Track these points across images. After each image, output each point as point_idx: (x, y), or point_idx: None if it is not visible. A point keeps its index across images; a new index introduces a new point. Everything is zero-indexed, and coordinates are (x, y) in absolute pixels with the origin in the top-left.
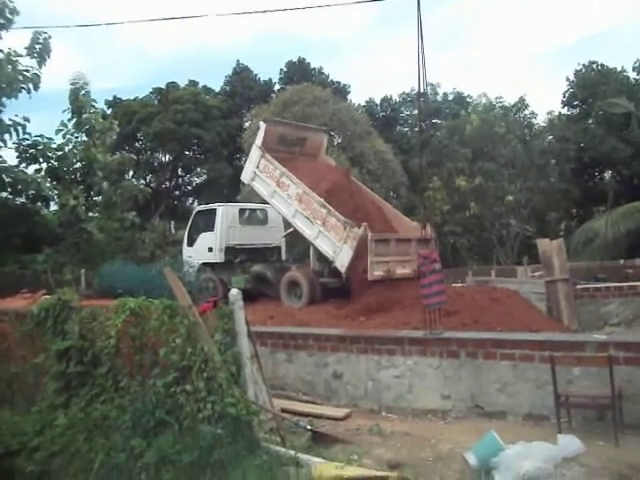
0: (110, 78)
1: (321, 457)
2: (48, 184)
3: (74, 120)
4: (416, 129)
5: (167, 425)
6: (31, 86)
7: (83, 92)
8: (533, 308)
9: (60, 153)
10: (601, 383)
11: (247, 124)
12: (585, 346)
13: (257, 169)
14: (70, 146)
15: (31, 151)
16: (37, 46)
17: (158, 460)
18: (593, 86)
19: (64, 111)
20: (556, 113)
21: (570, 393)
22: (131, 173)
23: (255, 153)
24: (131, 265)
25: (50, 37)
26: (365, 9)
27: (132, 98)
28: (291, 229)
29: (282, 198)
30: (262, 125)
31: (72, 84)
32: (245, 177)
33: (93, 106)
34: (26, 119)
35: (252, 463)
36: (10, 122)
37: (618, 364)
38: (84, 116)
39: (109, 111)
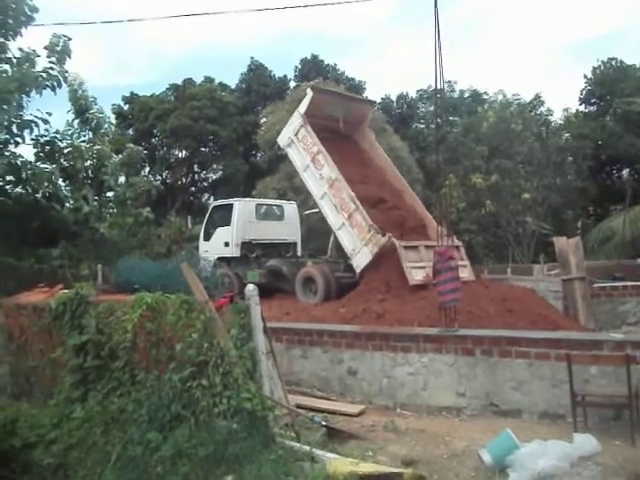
0: (127, 74)
1: (336, 453)
2: (61, 182)
3: (78, 119)
4: (432, 126)
5: (183, 419)
6: (55, 84)
7: (80, 92)
8: (550, 306)
9: (75, 151)
10: (618, 382)
11: (263, 121)
12: (602, 345)
13: (295, 137)
14: (83, 146)
15: (48, 148)
16: (57, 48)
17: (174, 454)
18: (611, 83)
19: (68, 112)
20: (573, 110)
21: (586, 392)
22: (147, 169)
23: (296, 120)
24: (148, 260)
25: (70, 39)
26: (381, 5)
27: (149, 94)
28: (316, 210)
29: (314, 175)
30: (309, 92)
31: (69, 85)
32: (281, 141)
33: (95, 102)
34: (49, 114)
35: (267, 458)
36: (31, 118)
37: (635, 363)
38: (90, 112)
39: (126, 107)
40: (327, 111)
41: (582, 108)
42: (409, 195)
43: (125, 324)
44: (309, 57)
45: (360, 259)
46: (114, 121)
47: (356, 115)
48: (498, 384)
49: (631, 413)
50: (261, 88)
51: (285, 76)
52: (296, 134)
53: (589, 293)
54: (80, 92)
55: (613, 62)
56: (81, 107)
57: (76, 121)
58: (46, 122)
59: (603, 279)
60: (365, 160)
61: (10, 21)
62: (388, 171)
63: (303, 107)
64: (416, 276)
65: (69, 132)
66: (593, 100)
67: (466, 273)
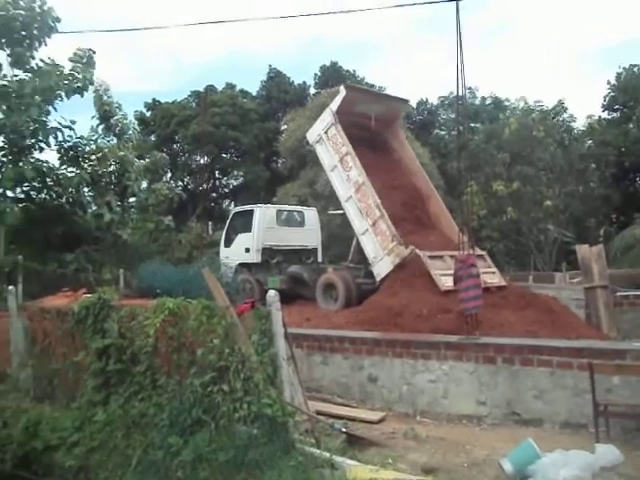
0: (149, 81)
1: (356, 460)
2: (86, 188)
3: (102, 125)
4: (454, 133)
5: (204, 424)
6: (81, 85)
7: (106, 97)
8: (572, 315)
9: (100, 155)
10: None
11: (283, 127)
12: (625, 354)
13: (325, 134)
14: (106, 150)
15: (72, 153)
16: (82, 60)
17: (194, 458)
18: (635, 89)
19: (92, 117)
20: (596, 117)
21: (609, 402)
22: (169, 175)
23: (328, 117)
24: (169, 266)
25: (94, 52)
26: (402, 12)
27: (170, 101)
28: (341, 211)
29: (341, 176)
30: (342, 90)
31: (94, 91)
32: (310, 137)
33: (119, 108)
34: (72, 122)
35: (287, 464)
36: (56, 124)
37: None
38: (115, 118)
39: (148, 114)
40: (359, 109)
41: (605, 115)
42: (435, 200)
43: (147, 329)
44: (328, 64)
45: (381, 267)
46: (137, 127)
47: (388, 113)
48: (519, 393)
49: None
50: (281, 95)
51: (304, 83)
52: (326, 131)
53: (612, 302)
54: (105, 98)
55: (636, 68)
56: (106, 113)
57: (100, 127)
58: (71, 128)
59: (626, 287)
60: (394, 161)
61: (35, 32)
62: (417, 173)
63: (335, 105)
64: (446, 283)
65: (93, 137)
66: (616, 107)
67: (496, 279)
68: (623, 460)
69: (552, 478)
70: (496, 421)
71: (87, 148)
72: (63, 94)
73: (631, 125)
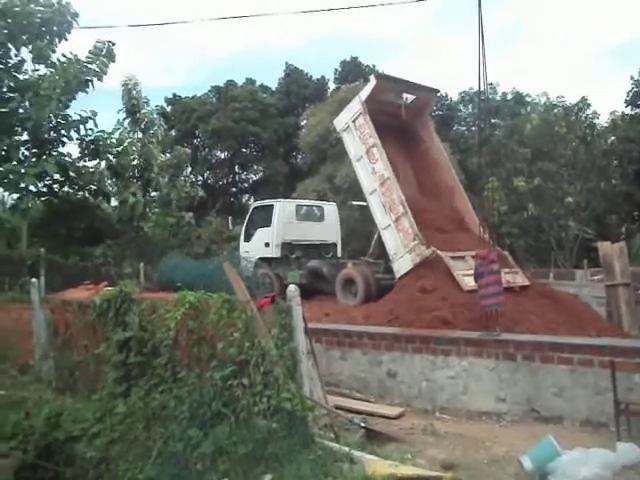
0: (170, 76)
1: (375, 455)
2: (108, 180)
3: (129, 119)
4: (474, 128)
5: (223, 417)
6: (95, 79)
7: (135, 91)
8: (593, 312)
9: (120, 148)
10: None
11: (303, 122)
12: None
13: (353, 123)
14: (127, 143)
15: (92, 146)
16: (102, 52)
17: (214, 451)
18: None
19: (119, 111)
20: (619, 113)
21: (630, 400)
22: (189, 169)
23: (356, 106)
24: (189, 260)
25: (114, 44)
26: (423, 6)
27: (191, 96)
28: (364, 203)
29: (366, 168)
30: (372, 79)
31: (123, 85)
32: (338, 124)
33: (147, 103)
34: (94, 113)
35: (306, 458)
36: (78, 117)
37: None
38: (142, 112)
39: (168, 108)
40: (389, 97)
41: (628, 110)
42: (459, 194)
43: (168, 322)
44: (348, 59)
45: (401, 264)
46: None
47: (418, 102)
48: (540, 390)
49: None
50: (300, 90)
51: (323, 77)
52: (354, 120)
53: (634, 299)
54: (134, 92)
55: None
56: (133, 107)
57: (127, 120)
58: (92, 119)
59: None
60: (422, 152)
61: (55, 28)
62: (444, 166)
63: (365, 94)
64: (469, 283)
65: (118, 130)
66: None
67: (519, 279)
68: None
69: (572, 476)
70: (516, 418)
71: (108, 141)
72: (76, 87)
73: None
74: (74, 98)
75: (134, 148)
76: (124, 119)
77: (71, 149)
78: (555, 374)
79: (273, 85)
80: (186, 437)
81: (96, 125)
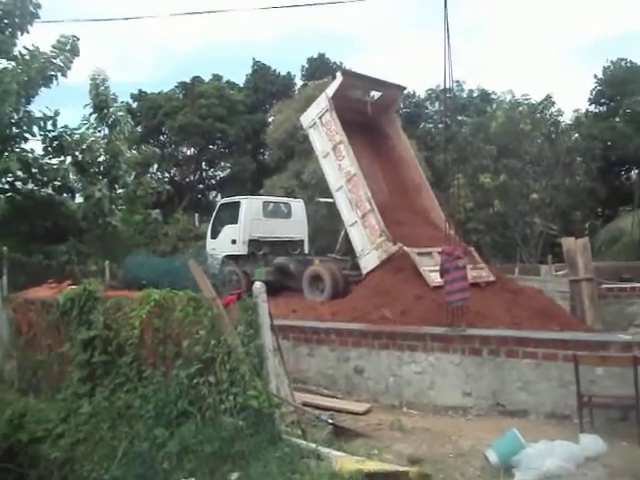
0: (135, 72)
1: (342, 451)
2: (73, 176)
3: (96, 114)
4: (441, 126)
5: (189, 415)
6: (59, 73)
7: (103, 87)
8: (557, 307)
9: (84, 145)
10: (625, 384)
11: (271, 119)
12: (609, 346)
13: (319, 119)
14: (92, 139)
15: (56, 143)
16: (66, 47)
17: (180, 450)
18: (621, 84)
19: (85, 106)
20: (583, 111)
21: (593, 393)
22: (156, 166)
23: (323, 102)
24: (155, 257)
25: (78, 39)
26: (388, 3)
27: (157, 92)
28: (331, 199)
29: (333, 165)
30: (339, 76)
31: (92, 79)
32: (304, 121)
33: (115, 99)
34: (57, 112)
35: (273, 455)
36: (40, 114)
37: None
38: (110, 109)
39: (134, 105)
40: (356, 94)
41: (592, 108)
42: (426, 191)
43: (133, 320)
44: (315, 56)
45: (368, 261)
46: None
47: (385, 99)
48: (505, 384)
49: (638, 414)
50: (267, 86)
51: (289, 73)
52: (320, 117)
53: (596, 294)
54: (102, 88)
55: (623, 62)
56: (101, 103)
57: (94, 116)
58: (53, 118)
59: (611, 280)
60: (388, 148)
61: (17, 20)
62: (410, 162)
63: (331, 90)
64: (435, 278)
65: (84, 127)
66: (603, 100)
67: (485, 274)
68: (607, 450)
69: (536, 468)
70: (481, 412)
71: (72, 138)
72: (40, 82)
73: (617, 119)
74: (37, 94)
75: (99, 144)
76: (90, 114)
77: (34, 145)
78: (520, 368)
79: (240, 81)
80: (152, 436)
81: (55, 122)
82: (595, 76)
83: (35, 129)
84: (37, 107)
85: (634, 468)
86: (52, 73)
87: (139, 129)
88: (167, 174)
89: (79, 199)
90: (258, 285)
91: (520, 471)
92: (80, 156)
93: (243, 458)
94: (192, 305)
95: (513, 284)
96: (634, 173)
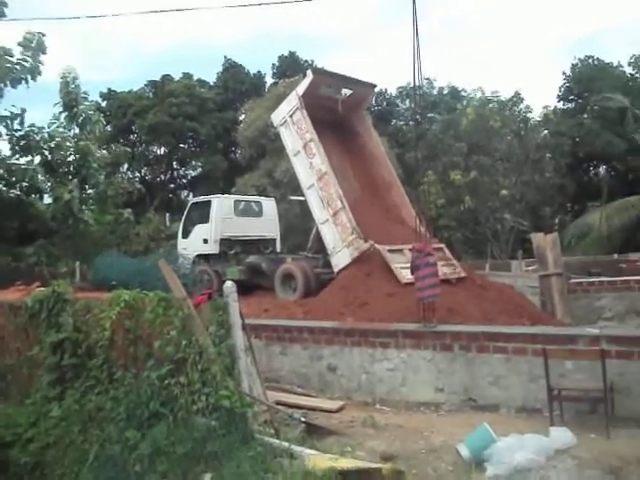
0: (104, 70)
1: (315, 449)
2: (41, 176)
3: (66, 113)
4: (412, 123)
5: (161, 417)
6: (29, 76)
7: (73, 86)
8: (528, 302)
9: (53, 144)
10: (593, 376)
11: (242, 117)
12: (578, 340)
13: (290, 118)
14: (60, 138)
15: (23, 142)
16: (31, 44)
17: (152, 451)
18: (589, 81)
19: (55, 104)
20: (552, 107)
21: (562, 386)
22: (126, 166)
23: (294, 100)
24: (126, 258)
25: (44, 35)
26: (360, 2)
27: (127, 91)
28: (302, 197)
29: (304, 163)
30: (309, 74)
31: (62, 78)
32: (275, 119)
33: (85, 98)
34: (23, 110)
35: (246, 455)
36: (7, 113)
37: (610, 358)
38: (80, 107)
39: (104, 103)
40: (326, 92)
41: (560, 105)
42: (396, 188)
43: (103, 322)
44: (286, 54)
45: (339, 259)
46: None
47: (356, 97)
48: (476, 379)
49: (606, 407)
50: (238, 85)
51: (259, 72)
52: (291, 115)
53: (566, 289)
54: (72, 86)
55: (590, 60)
56: (70, 101)
57: (63, 115)
58: (20, 116)
59: (580, 275)
60: (359, 146)
61: None
62: (380, 160)
63: (302, 88)
64: (406, 275)
65: (53, 125)
66: (571, 97)
67: (455, 271)
68: (576, 442)
69: (507, 462)
70: (453, 407)
71: (39, 137)
72: (8, 83)
73: (585, 115)
74: (1, 96)
75: (69, 143)
76: (60, 113)
77: (1, 145)
78: (491, 363)
79: (211, 79)
80: (123, 439)
81: (23, 121)
82: (564, 73)
83: (1, 128)
84: (3, 106)
85: (602, 460)
86: (22, 76)
87: (109, 128)
88: (138, 174)
89: (48, 199)
90: (229, 284)
91: (491, 465)
92: (49, 155)
93: (216, 458)
94: (162, 306)
95: (483, 280)
96: (602, 169)
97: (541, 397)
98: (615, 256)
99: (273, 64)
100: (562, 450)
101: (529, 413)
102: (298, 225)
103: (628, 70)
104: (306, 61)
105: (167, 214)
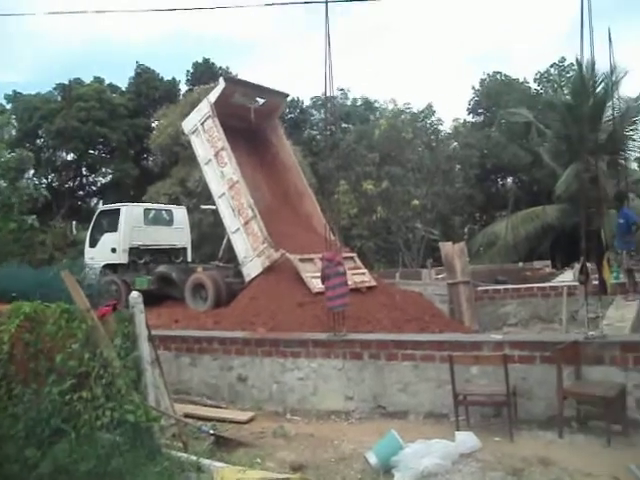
0: (11, 72)
1: (223, 461)
2: None
3: None
4: (325, 132)
5: (63, 434)
6: None
7: None
8: (436, 310)
9: None
10: (497, 381)
11: (154, 124)
12: (482, 346)
13: (201, 125)
14: None
15: None
16: None
17: (53, 470)
18: (497, 95)
19: None
20: (461, 120)
21: (468, 391)
22: (32, 172)
23: (205, 108)
24: (27, 268)
25: None
26: (273, 10)
27: (33, 93)
28: (214, 206)
29: (215, 171)
30: (221, 82)
31: None
32: (186, 127)
33: None
34: None
35: (152, 470)
36: None
37: (513, 362)
38: None
39: (8, 106)
40: (239, 101)
41: (470, 118)
42: (308, 198)
43: (1, 335)
44: (200, 60)
45: (251, 268)
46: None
47: (268, 106)
48: (385, 387)
49: (509, 410)
50: (150, 91)
51: (174, 79)
52: (202, 123)
53: (473, 296)
54: None
55: (498, 75)
56: None
57: None
58: None
59: (486, 282)
60: (271, 155)
61: None
62: (292, 169)
63: (213, 96)
64: (317, 284)
65: None
66: (480, 111)
67: (366, 279)
68: (481, 446)
69: (414, 467)
70: (363, 415)
71: None
72: None
73: (493, 129)
74: None
75: None
76: None
77: None
78: (400, 370)
79: (123, 84)
80: (22, 458)
81: None
82: (473, 87)
83: None
84: None
85: (505, 462)
86: None
87: (14, 132)
88: (44, 180)
89: None
90: (135, 295)
91: (399, 471)
92: None
93: (120, 476)
94: (65, 318)
95: (393, 288)
96: (508, 180)
97: (448, 403)
98: (520, 264)
99: (187, 71)
100: (467, 454)
101: (437, 419)
102: (211, 234)
103: (533, 86)
104: (220, 67)
105: (74, 222)
